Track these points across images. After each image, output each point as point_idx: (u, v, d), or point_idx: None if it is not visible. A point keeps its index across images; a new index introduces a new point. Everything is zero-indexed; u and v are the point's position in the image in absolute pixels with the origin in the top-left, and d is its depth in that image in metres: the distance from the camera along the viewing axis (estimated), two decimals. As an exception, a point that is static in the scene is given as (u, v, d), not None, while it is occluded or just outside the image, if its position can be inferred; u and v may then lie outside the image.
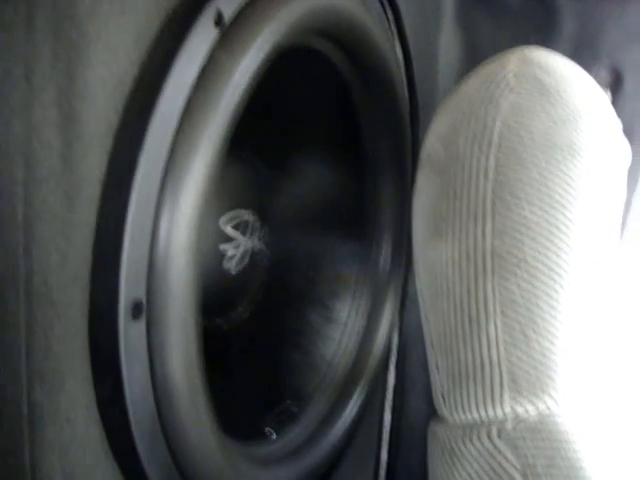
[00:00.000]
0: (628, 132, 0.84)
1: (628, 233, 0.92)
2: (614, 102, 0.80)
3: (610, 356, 0.67)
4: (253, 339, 0.81)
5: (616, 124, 0.71)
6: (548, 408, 0.55)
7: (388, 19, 0.76)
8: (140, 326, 0.50)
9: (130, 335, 0.50)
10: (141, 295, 0.50)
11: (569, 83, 0.59)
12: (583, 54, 0.85)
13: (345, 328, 0.80)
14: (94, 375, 0.50)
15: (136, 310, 0.49)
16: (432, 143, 0.61)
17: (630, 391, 0.68)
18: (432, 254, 0.59)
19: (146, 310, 0.50)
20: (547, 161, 0.55)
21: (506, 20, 0.86)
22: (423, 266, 0.61)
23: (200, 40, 0.52)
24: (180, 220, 0.50)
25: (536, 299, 0.55)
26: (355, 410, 0.80)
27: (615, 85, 0.86)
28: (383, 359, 0.85)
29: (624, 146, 0.71)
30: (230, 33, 0.54)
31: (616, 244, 0.70)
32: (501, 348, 0.55)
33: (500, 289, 0.55)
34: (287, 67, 0.67)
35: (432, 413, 0.64)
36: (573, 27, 0.87)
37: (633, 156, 0.78)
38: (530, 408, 0.55)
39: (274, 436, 0.72)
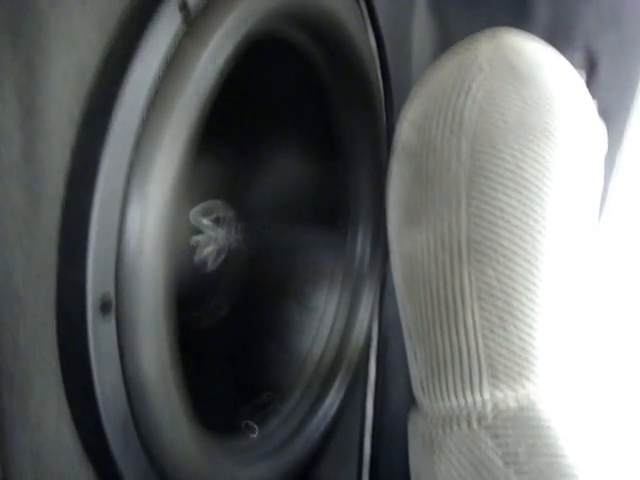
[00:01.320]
0: (603, 114, 0.84)
1: (605, 218, 0.91)
2: (589, 85, 0.80)
3: (590, 343, 0.67)
4: (231, 333, 0.80)
5: (591, 107, 0.71)
6: (528, 395, 0.55)
7: (360, 7, 0.75)
8: (109, 323, 0.49)
9: (99, 333, 0.48)
10: (110, 291, 0.48)
11: (542, 66, 0.58)
12: (557, 38, 0.85)
13: (323, 320, 0.80)
14: (64, 375, 0.49)
15: (105, 307, 0.48)
16: (404, 130, 0.61)
17: (611, 378, 0.67)
18: (407, 242, 0.58)
19: (115, 307, 0.49)
20: (521, 144, 0.55)
21: (480, 6, 0.85)
22: (399, 255, 0.60)
23: (165, 29, 0.51)
24: (148, 213, 0.49)
25: (513, 284, 0.54)
26: (336, 403, 0.79)
27: (590, 68, 0.86)
28: (363, 351, 0.84)
29: (600, 129, 0.71)
30: (196, 21, 0.53)
31: (594, 229, 0.69)
32: (479, 335, 0.54)
33: (476, 275, 0.54)
34: (258, 57, 0.66)
35: (411, 404, 0.64)
36: (547, 12, 0.86)
37: (609, 138, 0.77)
38: (510, 395, 0.55)
39: (256, 432, 0.71)
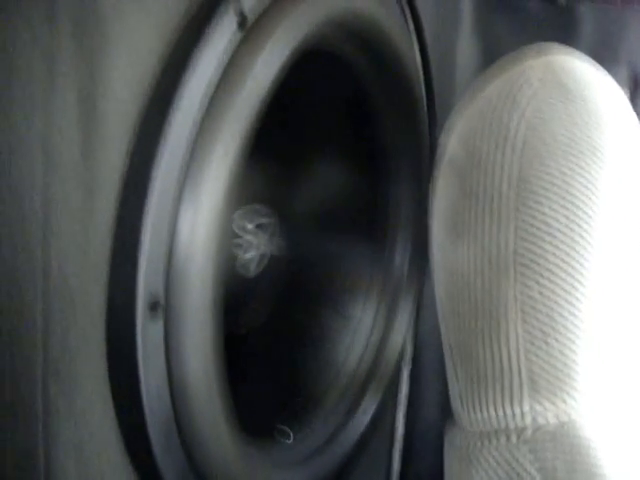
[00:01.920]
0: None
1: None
2: (632, 102, 0.80)
3: (635, 362, 0.66)
4: (269, 339, 0.80)
5: (637, 125, 0.71)
6: (568, 413, 0.55)
7: (407, 22, 0.75)
8: (158, 324, 0.50)
9: (147, 332, 0.49)
10: (159, 292, 0.49)
11: (590, 83, 0.58)
12: (602, 55, 0.85)
13: (360, 330, 0.80)
14: (110, 373, 0.49)
15: (154, 307, 0.49)
16: (451, 144, 0.61)
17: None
18: (452, 258, 0.59)
19: (164, 308, 0.50)
20: (568, 160, 0.55)
21: (525, 23, 0.86)
22: (442, 270, 0.60)
23: (221, 36, 0.52)
24: (200, 217, 0.50)
25: (556, 298, 0.54)
26: (368, 414, 0.79)
27: (634, 86, 0.86)
28: (397, 365, 0.84)
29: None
30: (252, 32, 0.54)
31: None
32: (521, 348, 0.54)
33: (520, 288, 0.54)
34: (306, 68, 0.67)
35: (448, 419, 0.64)
36: (592, 29, 0.86)
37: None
38: (550, 410, 0.55)
39: (290, 438, 0.71)
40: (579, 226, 0.55)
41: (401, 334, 0.82)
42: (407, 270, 0.80)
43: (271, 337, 0.81)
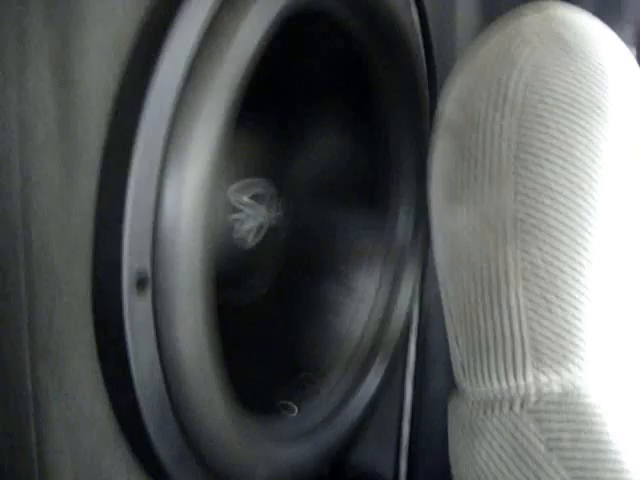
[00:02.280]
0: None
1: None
2: (638, 60, 0.77)
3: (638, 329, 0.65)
4: (270, 312, 0.79)
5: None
6: (572, 382, 0.53)
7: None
8: (146, 300, 0.48)
9: (135, 309, 0.48)
10: (146, 268, 0.48)
11: (592, 39, 0.56)
12: (607, 12, 0.82)
13: (363, 301, 0.78)
14: (99, 351, 0.48)
15: (141, 283, 0.48)
16: (449, 106, 0.59)
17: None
18: (450, 221, 0.57)
19: (152, 283, 0.48)
20: (570, 120, 0.53)
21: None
22: (441, 234, 0.59)
23: (203, 2, 0.49)
24: (185, 189, 0.48)
25: (559, 264, 0.52)
26: (375, 385, 0.78)
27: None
28: (403, 333, 0.82)
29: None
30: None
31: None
32: (522, 316, 0.53)
33: (521, 254, 0.53)
34: (300, 33, 0.65)
35: (451, 388, 0.62)
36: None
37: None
38: (554, 378, 0.53)
39: (295, 411, 0.70)
40: (582, 189, 0.53)
41: (406, 303, 0.81)
42: (411, 238, 0.79)
43: (273, 309, 0.80)
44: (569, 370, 0.53)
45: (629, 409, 0.55)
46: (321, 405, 0.73)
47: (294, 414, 0.70)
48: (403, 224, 0.78)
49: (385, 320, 0.78)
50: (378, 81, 0.73)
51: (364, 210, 0.79)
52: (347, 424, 0.74)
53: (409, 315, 0.83)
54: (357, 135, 0.77)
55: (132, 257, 0.47)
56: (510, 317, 0.53)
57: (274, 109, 0.74)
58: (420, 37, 0.76)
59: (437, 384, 0.92)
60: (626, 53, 0.62)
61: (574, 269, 0.53)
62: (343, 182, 0.79)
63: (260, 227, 0.73)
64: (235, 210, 0.70)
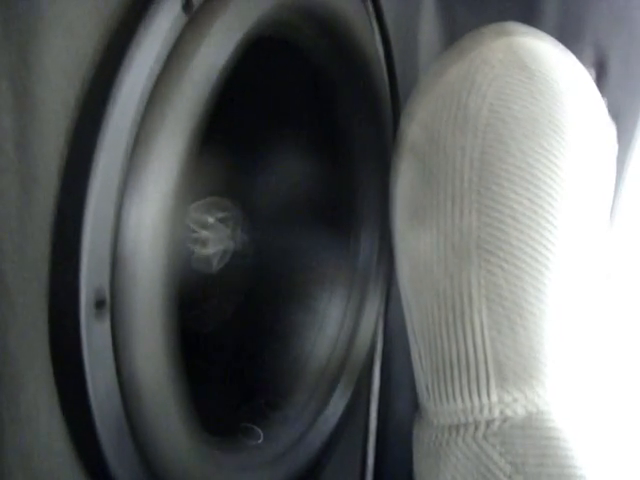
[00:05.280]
0: (612, 114, 0.82)
1: (616, 221, 0.90)
2: (598, 83, 0.78)
3: (602, 348, 0.65)
4: (235, 334, 0.78)
5: (602, 105, 0.69)
6: (537, 403, 0.53)
7: (366, 5, 0.73)
8: (104, 322, 0.47)
9: (93, 332, 0.47)
10: (104, 289, 0.47)
11: (552, 63, 0.57)
12: (567, 35, 0.83)
13: (328, 324, 0.78)
14: (56, 375, 0.47)
15: (99, 305, 0.47)
16: (411, 128, 0.59)
17: (622, 385, 0.66)
18: (413, 242, 0.57)
19: (110, 305, 0.47)
20: (531, 141, 0.53)
21: (487, 3, 0.84)
22: (404, 256, 0.58)
23: (165, 18, 0.49)
24: (146, 208, 0.47)
25: (522, 284, 0.52)
26: (340, 410, 0.77)
27: (599, 66, 0.84)
28: (368, 358, 0.82)
29: (610, 128, 0.70)
30: (198, 16, 0.51)
31: (605, 230, 0.68)
32: (486, 337, 0.53)
33: (484, 275, 0.53)
34: (263, 56, 0.65)
35: (415, 413, 0.62)
36: (557, 9, 0.85)
37: (619, 138, 0.76)
38: (518, 398, 0.53)
39: (260, 438, 0.69)
40: (543, 209, 0.53)
41: (371, 326, 0.80)
42: (375, 261, 0.78)
43: (238, 333, 0.79)
44: (533, 391, 0.53)
45: (592, 430, 0.55)
46: (286, 431, 0.72)
47: (259, 441, 0.69)
48: (367, 247, 0.78)
49: (350, 344, 0.77)
50: (341, 105, 0.73)
51: (328, 233, 0.78)
52: (312, 450, 0.73)
53: (374, 338, 0.82)
54: (321, 157, 0.77)
55: (90, 279, 0.46)
56: (473, 337, 0.53)
57: (239, 131, 0.74)
58: (384, 60, 0.77)
59: (402, 408, 0.91)
60: (585, 76, 0.63)
61: (537, 288, 0.53)
62: (308, 204, 0.78)
63: (225, 250, 0.72)
64: (199, 233, 0.69)
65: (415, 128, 0.59)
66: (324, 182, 0.77)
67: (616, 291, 0.77)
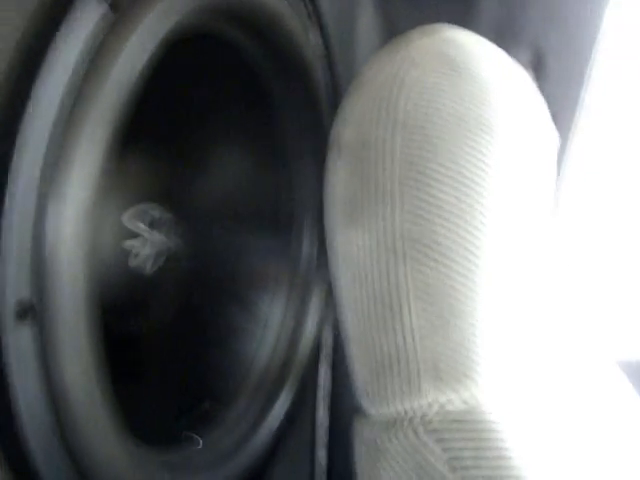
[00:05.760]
0: (551, 112, 0.83)
1: (557, 217, 0.91)
2: (536, 83, 0.79)
3: (541, 340, 0.66)
4: (174, 339, 0.77)
5: (539, 103, 0.70)
6: (473, 396, 0.53)
7: (306, 5, 0.73)
8: (28, 329, 0.46)
9: (17, 340, 0.46)
10: (27, 296, 0.46)
11: (480, 60, 0.57)
12: (504, 36, 0.84)
13: (269, 326, 0.77)
14: (-21, 385, 0.46)
15: (22, 313, 0.46)
16: (342, 128, 0.59)
17: (561, 377, 0.66)
18: (345, 242, 0.57)
19: (35, 314, 0.47)
20: (456, 138, 0.53)
21: (426, 4, 0.84)
22: (337, 256, 0.58)
23: (87, 17, 0.48)
24: (66, 213, 0.46)
25: (451, 282, 0.53)
26: (284, 411, 0.77)
27: (537, 66, 0.85)
28: (312, 357, 0.82)
29: (550, 125, 0.70)
30: (122, 10, 0.51)
31: (545, 224, 0.68)
32: (417, 335, 0.53)
33: (414, 274, 0.53)
34: (197, 55, 0.64)
35: (356, 412, 0.62)
36: (494, 10, 0.85)
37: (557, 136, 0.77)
38: (454, 397, 0.53)
39: (200, 444, 0.68)
40: (472, 207, 0.53)
41: (314, 327, 0.80)
42: (316, 261, 0.78)
43: (178, 337, 0.78)
44: (467, 387, 0.53)
45: (530, 423, 0.55)
46: (227, 434, 0.71)
47: (199, 445, 0.68)
48: (307, 247, 0.77)
49: (293, 345, 0.77)
50: (279, 105, 0.73)
51: (268, 233, 0.78)
52: (255, 453, 0.73)
53: (318, 339, 0.82)
54: (258, 158, 0.76)
55: (12, 286, 0.45)
56: (404, 337, 0.53)
57: (171, 133, 0.73)
58: (324, 61, 0.76)
59: (351, 408, 0.91)
60: (519, 74, 0.64)
61: (467, 287, 0.53)
62: (246, 206, 0.78)
63: (159, 254, 0.71)
64: (131, 237, 0.68)
65: (346, 129, 0.59)
66: (263, 183, 0.77)
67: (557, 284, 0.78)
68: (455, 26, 0.61)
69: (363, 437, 0.59)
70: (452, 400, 0.53)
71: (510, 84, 0.59)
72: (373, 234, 0.54)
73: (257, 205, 0.77)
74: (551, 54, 0.86)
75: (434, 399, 0.53)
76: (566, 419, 0.61)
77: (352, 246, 0.56)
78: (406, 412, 0.54)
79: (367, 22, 0.83)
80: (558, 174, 0.92)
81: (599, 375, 0.73)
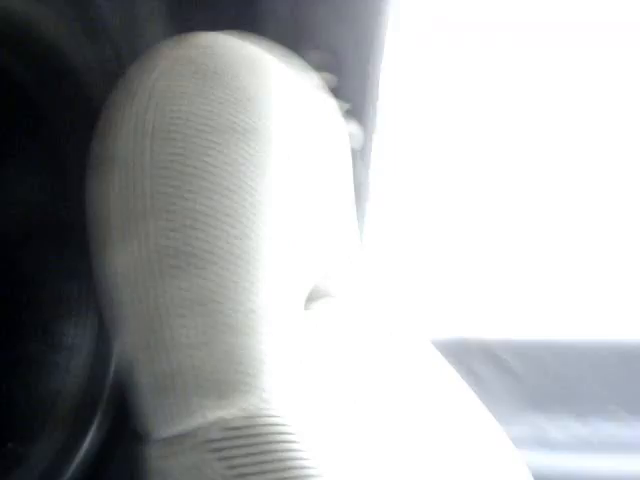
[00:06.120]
0: (353, 113, 0.83)
1: (366, 218, 0.91)
2: (334, 85, 0.79)
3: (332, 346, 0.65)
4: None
5: (325, 104, 0.69)
6: (251, 408, 0.51)
7: (76, 12, 0.69)
8: None
9: None
10: None
11: (235, 64, 0.55)
12: (301, 41, 0.84)
13: (76, 352, 0.73)
14: None
15: None
16: (98, 143, 0.56)
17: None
18: (105, 264, 0.54)
19: None
20: (207, 147, 0.52)
21: (221, 15, 0.83)
22: (103, 278, 0.56)
23: None
24: None
25: (212, 295, 0.51)
26: (99, 442, 0.73)
27: (335, 67, 0.85)
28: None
29: (341, 125, 0.70)
30: None
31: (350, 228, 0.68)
32: (183, 354, 0.51)
33: (172, 291, 0.51)
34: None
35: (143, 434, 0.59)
36: (290, 17, 0.85)
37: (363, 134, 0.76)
38: (231, 411, 0.51)
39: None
40: (228, 215, 0.51)
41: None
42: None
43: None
44: (246, 399, 0.52)
45: (316, 425, 0.54)
46: (29, 472, 0.67)
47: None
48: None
49: (99, 372, 0.74)
50: (53, 117, 0.69)
51: (66, 253, 0.74)
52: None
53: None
54: (44, 176, 0.72)
55: None
56: (171, 357, 0.51)
57: None
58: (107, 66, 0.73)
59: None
60: (297, 78, 0.63)
61: (230, 298, 0.51)
62: (30, 226, 0.73)
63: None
64: None
65: (100, 143, 0.56)
66: (50, 200, 0.72)
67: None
68: (219, 33, 0.59)
69: (146, 457, 0.57)
70: (231, 412, 0.51)
71: (273, 89, 0.58)
72: (132, 254, 0.52)
73: (53, 223, 0.73)
74: (347, 53, 0.87)
75: (212, 414, 0.51)
76: (365, 413, 0.61)
77: (111, 268, 0.53)
78: (187, 431, 0.52)
79: (158, 29, 0.80)
80: (367, 166, 0.93)
81: (414, 355, 0.73)
